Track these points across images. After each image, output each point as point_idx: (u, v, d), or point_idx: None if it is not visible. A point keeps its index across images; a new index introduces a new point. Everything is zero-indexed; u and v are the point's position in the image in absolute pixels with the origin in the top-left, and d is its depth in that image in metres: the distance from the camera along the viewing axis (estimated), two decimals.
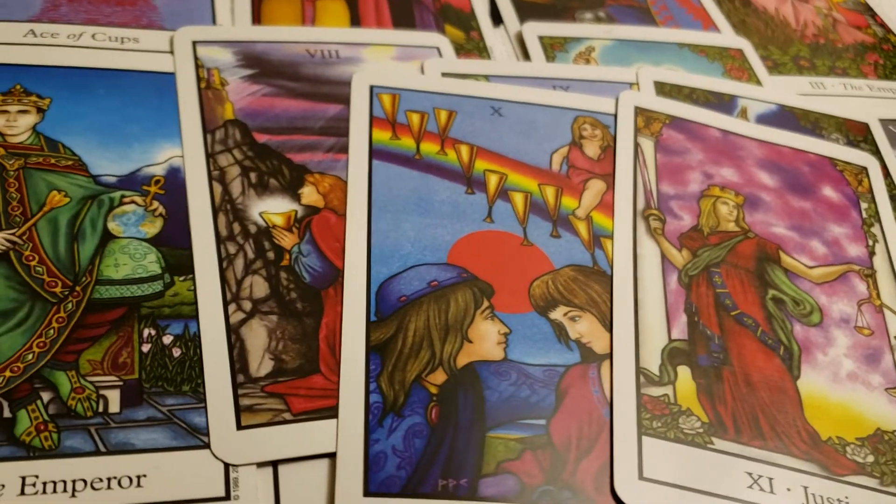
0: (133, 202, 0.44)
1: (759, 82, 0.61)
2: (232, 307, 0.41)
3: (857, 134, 0.59)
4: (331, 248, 0.44)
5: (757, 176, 0.53)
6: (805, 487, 0.40)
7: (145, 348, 0.39)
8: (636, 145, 0.52)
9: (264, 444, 0.37)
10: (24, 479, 0.35)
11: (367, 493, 0.36)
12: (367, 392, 0.39)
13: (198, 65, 0.51)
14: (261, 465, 0.37)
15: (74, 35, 0.51)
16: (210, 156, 0.46)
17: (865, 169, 0.56)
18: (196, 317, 0.40)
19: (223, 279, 0.42)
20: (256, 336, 0.40)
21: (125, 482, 0.35)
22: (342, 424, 0.38)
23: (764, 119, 0.58)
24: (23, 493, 0.34)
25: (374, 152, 0.48)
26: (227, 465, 0.36)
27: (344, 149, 0.48)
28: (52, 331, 0.39)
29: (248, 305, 0.41)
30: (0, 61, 0.48)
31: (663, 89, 0.57)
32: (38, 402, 0.37)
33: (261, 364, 0.39)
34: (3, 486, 0.34)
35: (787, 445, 0.41)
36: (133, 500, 0.35)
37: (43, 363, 0.38)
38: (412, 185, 0.47)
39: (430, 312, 0.42)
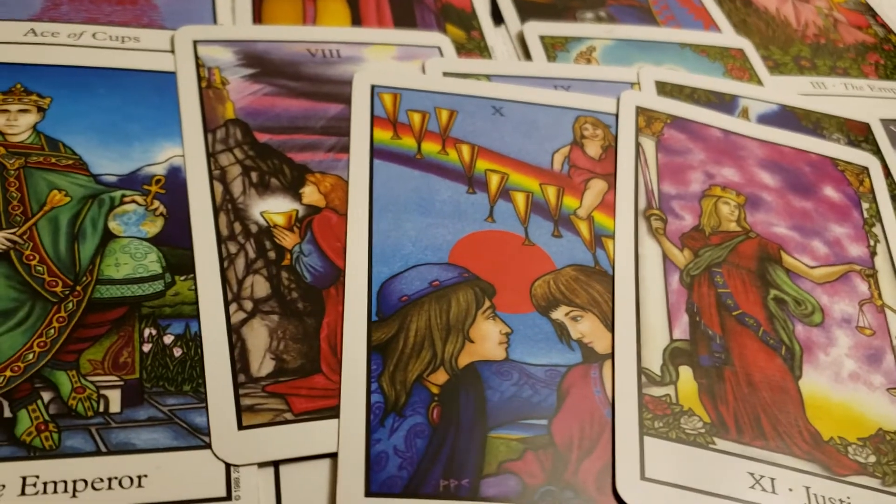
0: (134, 201, 0.44)
1: (760, 82, 0.61)
2: (233, 307, 0.41)
3: (859, 134, 0.59)
4: (332, 248, 0.44)
5: (758, 176, 0.53)
6: (807, 488, 0.40)
7: (146, 348, 0.39)
8: (637, 145, 0.52)
9: (265, 444, 0.37)
10: (24, 479, 0.34)
11: (369, 493, 0.36)
12: (369, 392, 0.39)
13: (199, 64, 0.51)
14: (262, 465, 0.37)
15: (75, 34, 0.51)
16: (211, 155, 0.46)
17: (866, 169, 0.56)
18: (197, 316, 0.40)
19: (224, 279, 0.41)
20: (257, 336, 0.40)
21: (126, 482, 0.35)
22: (343, 424, 0.38)
23: (765, 119, 0.58)
24: (23, 493, 0.34)
25: (376, 152, 0.48)
26: (228, 466, 0.36)
27: (345, 148, 0.48)
28: (52, 330, 0.39)
29: (249, 305, 0.41)
30: (0, 60, 0.48)
31: (664, 89, 0.57)
32: (39, 402, 0.37)
33: (262, 364, 0.39)
34: (4, 486, 0.34)
35: (789, 445, 0.41)
36: (134, 500, 0.35)
37: (43, 363, 0.38)
38: (413, 184, 0.47)
39: (431, 312, 0.42)
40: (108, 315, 0.40)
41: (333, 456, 0.37)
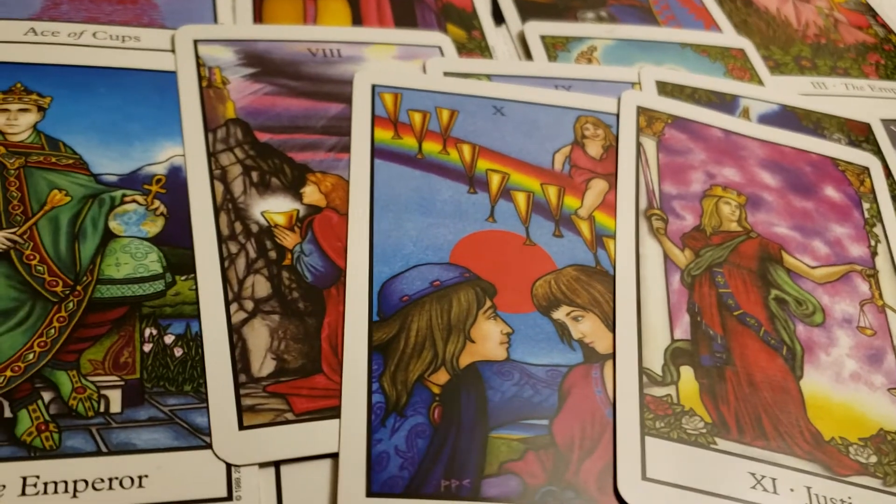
0: (134, 201, 0.43)
1: (760, 82, 0.61)
2: (234, 307, 0.41)
3: (859, 134, 0.59)
4: (333, 248, 0.44)
5: (759, 176, 0.53)
6: (808, 488, 0.40)
7: (147, 348, 0.39)
8: (638, 145, 0.52)
9: (266, 445, 0.37)
10: (24, 479, 0.34)
11: (370, 493, 0.36)
12: (370, 392, 0.39)
13: (199, 63, 0.50)
14: (263, 465, 0.37)
15: (75, 33, 0.51)
16: (211, 155, 0.46)
17: (867, 169, 0.56)
18: (198, 316, 0.40)
19: (225, 279, 0.41)
20: (258, 336, 0.40)
21: (127, 482, 0.35)
22: (344, 424, 0.38)
23: (766, 119, 0.57)
24: (24, 493, 0.34)
25: (376, 151, 0.48)
26: (229, 466, 0.36)
27: (346, 148, 0.48)
28: (52, 330, 0.39)
29: (249, 305, 0.41)
30: (1, 59, 0.48)
31: (665, 89, 0.57)
32: (39, 402, 0.37)
33: (263, 364, 0.39)
34: (4, 486, 0.34)
35: (790, 446, 0.41)
36: (135, 500, 0.35)
37: (44, 363, 0.38)
38: (414, 184, 0.47)
39: (432, 312, 0.42)
40: (109, 315, 0.39)
41: (334, 456, 0.37)
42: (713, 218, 0.50)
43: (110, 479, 0.35)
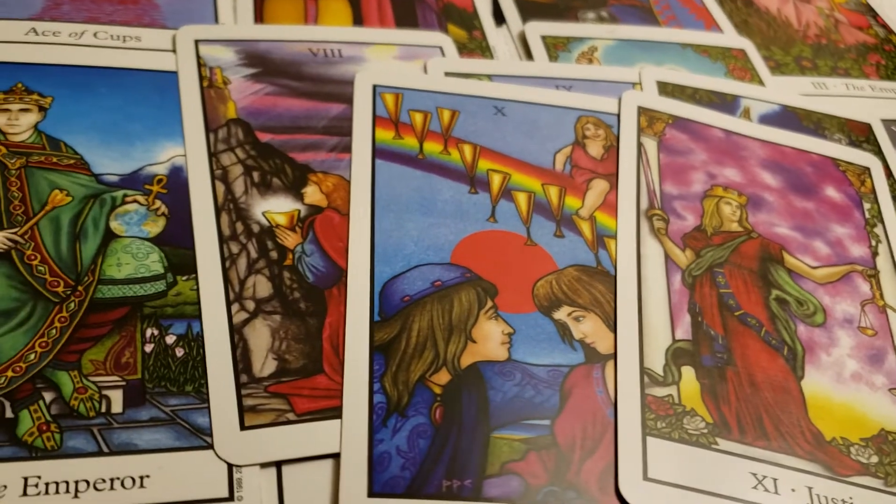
0: (135, 201, 0.43)
1: (761, 82, 0.61)
2: (235, 307, 0.41)
3: (860, 134, 0.59)
4: (334, 248, 0.44)
5: (760, 176, 0.53)
6: (809, 488, 0.40)
7: (148, 348, 0.39)
8: (639, 145, 0.52)
9: (268, 445, 0.37)
10: (26, 479, 0.34)
11: (371, 493, 0.36)
12: (371, 392, 0.39)
13: (200, 63, 0.50)
14: (264, 465, 0.37)
15: (76, 33, 0.51)
16: (213, 155, 0.46)
17: (868, 169, 0.56)
18: (199, 316, 0.40)
19: (226, 279, 0.41)
20: (260, 336, 0.40)
21: (128, 483, 0.35)
22: (346, 425, 0.38)
23: (767, 119, 0.58)
24: (25, 493, 0.34)
25: (378, 152, 0.48)
26: (230, 466, 0.36)
27: (347, 148, 0.48)
28: (54, 330, 0.38)
29: (251, 305, 0.41)
30: (1, 59, 0.48)
31: (666, 89, 0.57)
32: (41, 403, 0.37)
33: (264, 364, 0.39)
34: (6, 486, 0.34)
35: (792, 446, 0.41)
36: (136, 500, 0.35)
37: (45, 363, 0.38)
38: (415, 184, 0.47)
39: (433, 312, 0.42)
40: (110, 315, 0.39)
41: (336, 456, 0.37)
42: (714, 218, 0.50)
43: (112, 480, 0.35)
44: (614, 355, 0.42)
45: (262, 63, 0.52)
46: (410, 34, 0.57)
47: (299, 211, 0.45)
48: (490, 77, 0.54)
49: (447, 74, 0.54)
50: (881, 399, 0.44)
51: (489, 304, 0.43)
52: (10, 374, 0.37)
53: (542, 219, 0.47)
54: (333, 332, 0.41)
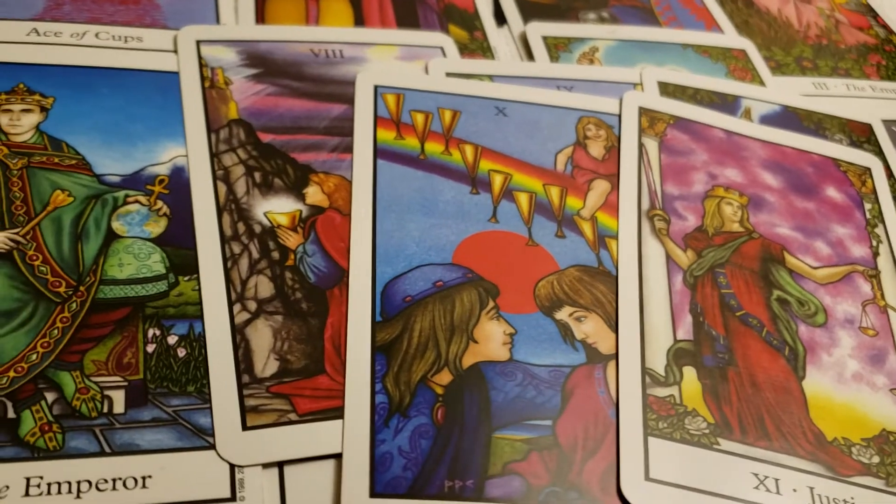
0: (137, 202, 0.43)
1: (762, 83, 0.61)
2: (237, 307, 0.41)
3: (861, 135, 0.59)
4: (336, 248, 0.44)
5: (761, 176, 0.53)
6: (811, 488, 0.40)
7: (150, 348, 0.39)
8: (640, 146, 0.52)
9: (270, 445, 0.37)
10: (28, 479, 0.34)
11: (373, 493, 0.36)
12: (373, 392, 0.39)
13: (202, 64, 0.50)
14: (266, 465, 0.37)
15: (78, 34, 0.51)
16: (214, 155, 0.46)
17: (869, 170, 0.56)
18: (201, 317, 0.40)
19: (228, 279, 0.41)
20: (261, 336, 0.40)
21: (130, 483, 0.35)
22: (348, 425, 0.38)
23: (767, 120, 0.58)
24: (27, 494, 0.34)
25: (379, 152, 0.48)
26: (232, 466, 0.36)
27: (348, 148, 0.48)
28: (56, 331, 0.38)
29: (252, 305, 0.41)
30: (3, 60, 0.48)
31: (667, 90, 0.57)
32: (43, 403, 0.37)
33: (266, 364, 0.39)
34: (8, 486, 0.34)
35: (793, 446, 0.41)
36: (138, 500, 0.35)
37: (47, 363, 0.38)
38: (417, 185, 0.47)
39: (435, 313, 0.42)
40: (112, 315, 0.39)
41: (338, 457, 0.37)
42: (715, 218, 0.50)
43: (114, 480, 0.35)
44: (616, 355, 0.42)
45: (263, 63, 0.52)
46: (412, 35, 0.57)
47: (301, 211, 0.45)
48: (491, 77, 0.55)
49: (448, 75, 0.54)
50: (882, 399, 0.44)
51: (491, 304, 0.43)
52: (11, 374, 0.37)
53: (544, 219, 0.47)
54: (335, 333, 0.41)
